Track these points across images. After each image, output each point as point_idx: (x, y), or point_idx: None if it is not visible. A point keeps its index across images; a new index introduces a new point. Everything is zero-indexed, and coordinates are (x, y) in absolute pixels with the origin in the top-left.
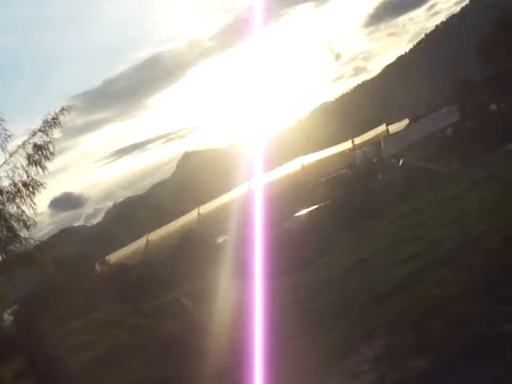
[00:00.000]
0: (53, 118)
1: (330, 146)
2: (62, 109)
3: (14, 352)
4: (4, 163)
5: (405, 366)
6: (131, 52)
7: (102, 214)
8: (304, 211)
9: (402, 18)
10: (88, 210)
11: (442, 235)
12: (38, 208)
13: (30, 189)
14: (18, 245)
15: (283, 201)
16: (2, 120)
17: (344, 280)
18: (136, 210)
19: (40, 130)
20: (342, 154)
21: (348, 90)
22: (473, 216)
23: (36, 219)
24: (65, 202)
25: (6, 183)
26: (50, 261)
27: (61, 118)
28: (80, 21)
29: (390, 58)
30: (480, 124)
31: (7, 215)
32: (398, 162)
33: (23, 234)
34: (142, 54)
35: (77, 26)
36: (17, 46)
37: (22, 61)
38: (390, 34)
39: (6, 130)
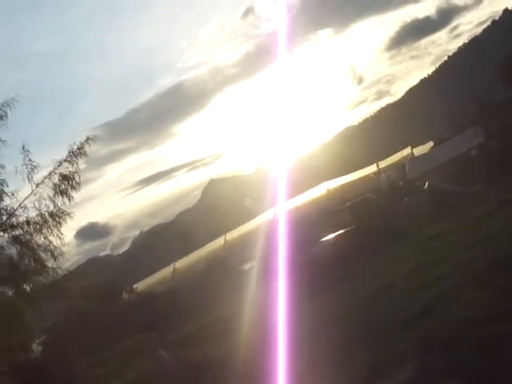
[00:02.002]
0: (78, 148)
1: (355, 169)
2: (87, 138)
3: (44, 382)
4: (31, 194)
5: None
6: (154, 81)
7: (129, 243)
8: (330, 236)
9: (424, 41)
10: (114, 239)
11: (469, 257)
12: (65, 238)
13: (57, 219)
14: (45, 275)
15: (309, 226)
16: (28, 151)
17: (371, 304)
18: (162, 238)
19: (66, 160)
20: (367, 177)
21: (371, 114)
22: (500, 237)
23: (63, 249)
24: (91, 232)
25: (32, 214)
26: (77, 290)
27: (86, 147)
28: (102, 51)
29: (413, 80)
30: (505, 145)
31: (35, 246)
32: (424, 184)
33: (50, 264)
34: (166, 82)
35: (99, 55)
36: (40, 76)
37: (45, 91)
38: (413, 57)
39: (31, 161)
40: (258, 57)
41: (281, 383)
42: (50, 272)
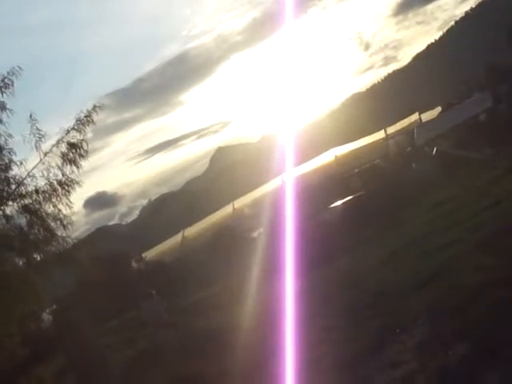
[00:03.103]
0: (85, 116)
1: (363, 136)
2: (94, 106)
3: (54, 351)
4: (39, 163)
5: (446, 353)
6: (160, 49)
7: (137, 212)
8: (338, 202)
9: (431, 6)
10: (122, 208)
11: (479, 221)
12: (74, 207)
13: (66, 187)
14: (55, 244)
15: (317, 193)
16: (35, 120)
17: (381, 269)
18: (170, 207)
19: (73, 129)
20: (376, 144)
21: (379, 80)
22: (509, 201)
23: (72, 218)
24: (99, 201)
25: (41, 183)
26: (87, 260)
27: (93, 115)
28: (107, 20)
29: (420, 46)
30: None
31: (44, 215)
32: (432, 150)
33: (60, 233)
34: (171, 51)
35: (104, 25)
36: (46, 46)
37: (51, 61)
38: (419, 23)
39: (39, 130)
40: (263, 24)
41: (290, 351)
42: (60, 241)
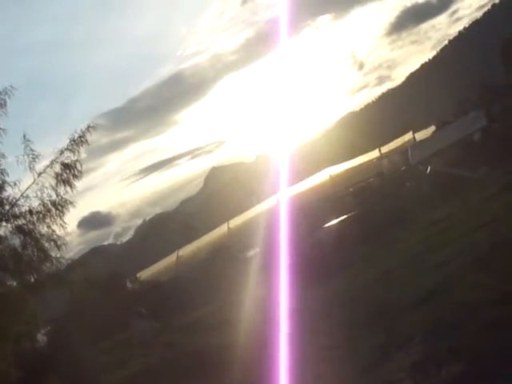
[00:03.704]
0: (79, 136)
1: (358, 155)
2: (88, 126)
3: (49, 372)
4: (32, 183)
5: (440, 373)
6: (154, 69)
7: (132, 232)
8: (333, 221)
9: (424, 26)
10: (117, 228)
11: (473, 240)
12: (68, 227)
13: (60, 208)
14: (49, 265)
15: (312, 212)
16: (29, 141)
17: (376, 288)
18: (165, 227)
19: (67, 149)
20: (370, 163)
21: (373, 99)
22: (504, 220)
23: (66, 239)
24: (93, 221)
25: (35, 203)
26: (82, 280)
27: (87, 136)
28: (101, 39)
29: (414, 65)
30: (507, 128)
31: (38, 235)
32: (426, 169)
33: (54, 253)
34: (166, 71)
35: (98, 44)
36: (40, 66)
37: (45, 81)
38: (413, 42)
39: (33, 151)
40: (257, 43)
41: (284, 369)
42: (54, 262)
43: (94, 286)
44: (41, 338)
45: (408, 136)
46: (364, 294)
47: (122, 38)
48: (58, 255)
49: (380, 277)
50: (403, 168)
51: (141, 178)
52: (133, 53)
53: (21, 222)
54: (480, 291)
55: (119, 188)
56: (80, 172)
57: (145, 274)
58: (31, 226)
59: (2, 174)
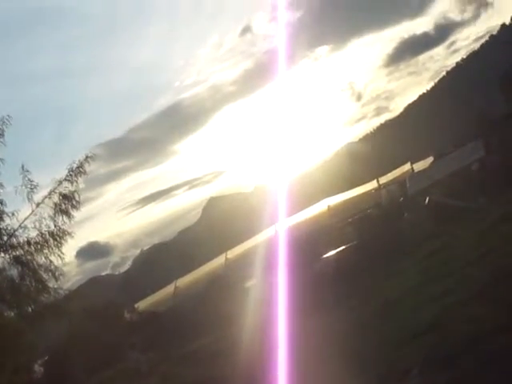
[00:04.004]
0: (77, 167)
1: (356, 186)
2: (86, 157)
3: None
4: (31, 214)
5: None
6: (153, 100)
7: (129, 262)
8: (332, 252)
9: (422, 57)
10: (115, 258)
11: (472, 272)
12: (66, 258)
13: (58, 238)
14: (46, 295)
15: (311, 242)
16: (27, 171)
17: (374, 321)
18: (163, 257)
19: (66, 179)
20: (368, 193)
21: (371, 130)
22: (502, 251)
23: (64, 269)
24: (91, 252)
25: (33, 234)
26: (79, 311)
27: (85, 166)
28: (100, 70)
29: (412, 96)
30: (505, 159)
31: (36, 266)
32: (424, 199)
33: (52, 284)
34: (164, 101)
35: (97, 74)
36: (38, 96)
37: (43, 111)
38: (411, 73)
39: (31, 181)
40: (256, 74)
41: None
42: (52, 292)
43: (92, 317)
44: (38, 368)
45: (406, 167)
46: (362, 325)
47: (120, 68)
48: (55, 286)
49: (379, 309)
50: (401, 199)
51: (139, 209)
52: (131, 83)
53: (19, 252)
54: (478, 323)
55: (117, 218)
56: (78, 202)
57: (143, 305)
58: (29, 257)
59: (1, 204)
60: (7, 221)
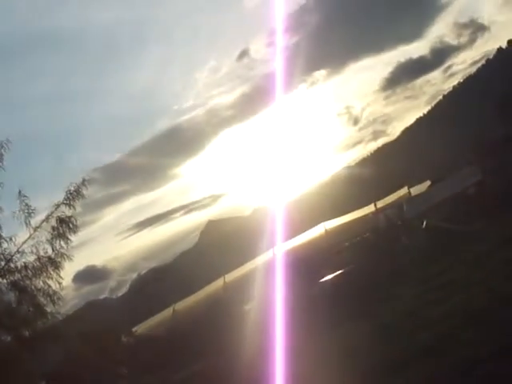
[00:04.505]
0: (75, 190)
1: (353, 209)
2: (84, 181)
3: None
4: (28, 238)
5: None
6: (150, 124)
7: (127, 286)
8: (329, 276)
9: (419, 81)
10: (112, 282)
11: (469, 296)
12: (63, 282)
13: (55, 263)
14: (44, 320)
15: (308, 266)
16: (25, 196)
17: (371, 345)
18: (160, 281)
19: (63, 203)
20: (365, 217)
21: (368, 154)
22: (499, 276)
23: (61, 293)
24: (89, 276)
25: (30, 258)
26: (77, 335)
27: (82, 189)
28: (98, 94)
29: (409, 120)
30: (502, 182)
31: (33, 290)
32: (422, 223)
33: (49, 308)
34: (162, 126)
35: (95, 99)
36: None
37: (41, 135)
38: (408, 97)
39: (28, 206)
40: (253, 98)
41: None
42: (49, 317)
43: (89, 341)
44: None
45: (403, 191)
46: (359, 350)
47: (118, 93)
48: (53, 310)
49: (374, 333)
50: (399, 223)
51: (136, 232)
52: (128, 107)
53: (16, 277)
54: (475, 348)
55: (114, 242)
56: (76, 226)
57: (140, 329)
58: (27, 282)
59: None
60: (4, 245)
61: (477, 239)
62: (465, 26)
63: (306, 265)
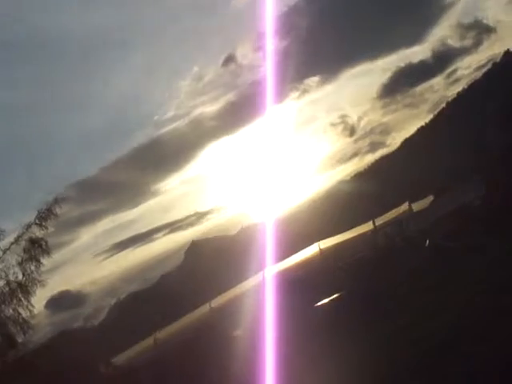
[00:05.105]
0: (47, 210)
1: (350, 227)
2: (56, 199)
3: None
4: None
5: None
6: (129, 135)
7: (105, 312)
8: (324, 301)
9: (420, 88)
10: (88, 308)
11: (470, 311)
12: (35, 309)
13: (26, 288)
14: (14, 351)
15: (302, 289)
16: None
17: (370, 368)
18: (141, 306)
19: (35, 223)
20: (363, 235)
21: (365, 167)
22: (501, 289)
23: (33, 322)
24: (63, 301)
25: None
26: (49, 366)
27: (56, 209)
28: (75, 104)
29: (410, 130)
30: (506, 195)
31: (3, 319)
32: (424, 241)
33: (20, 338)
34: (142, 137)
35: (71, 109)
36: (5, 132)
37: (10, 149)
38: (408, 105)
39: None
40: (240, 108)
41: None
42: (20, 347)
43: (63, 374)
44: None
45: (404, 207)
46: (356, 375)
47: (94, 103)
48: (24, 340)
49: (373, 358)
50: (399, 241)
51: (115, 254)
52: (105, 117)
53: None
54: (474, 361)
55: (91, 265)
56: (48, 248)
57: (120, 359)
58: None
59: None
60: None
61: (480, 254)
62: (469, 27)
63: (299, 288)
